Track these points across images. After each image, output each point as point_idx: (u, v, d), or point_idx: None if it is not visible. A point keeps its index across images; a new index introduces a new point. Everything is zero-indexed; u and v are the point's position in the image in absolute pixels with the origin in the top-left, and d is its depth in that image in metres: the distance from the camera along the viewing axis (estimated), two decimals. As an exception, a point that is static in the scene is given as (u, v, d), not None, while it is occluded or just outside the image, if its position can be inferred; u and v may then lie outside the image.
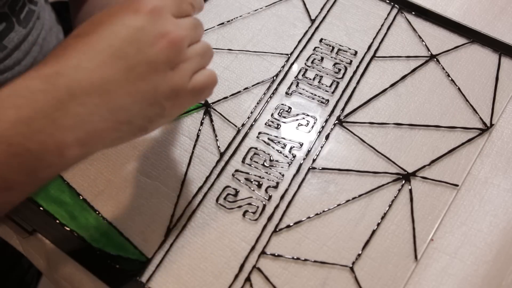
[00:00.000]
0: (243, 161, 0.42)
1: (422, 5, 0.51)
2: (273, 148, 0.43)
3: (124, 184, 0.41)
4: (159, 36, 0.29)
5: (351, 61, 0.48)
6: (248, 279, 0.37)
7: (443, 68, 0.47)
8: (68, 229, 0.39)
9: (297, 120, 0.44)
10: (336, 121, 0.44)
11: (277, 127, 0.44)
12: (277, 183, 0.41)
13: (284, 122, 0.44)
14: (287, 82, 0.47)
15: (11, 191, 0.27)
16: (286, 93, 0.46)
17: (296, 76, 0.47)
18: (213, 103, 0.45)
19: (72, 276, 0.38)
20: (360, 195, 0.40)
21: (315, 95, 0.46)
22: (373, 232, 0.39)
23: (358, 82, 0.46)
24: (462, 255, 0.38)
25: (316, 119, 0.44)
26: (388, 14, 0.51)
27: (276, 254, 0.38)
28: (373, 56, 0.48)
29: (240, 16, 0.51)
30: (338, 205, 0.40)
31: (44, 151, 0.26)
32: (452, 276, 0.37)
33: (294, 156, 0.42)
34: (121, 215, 0.40)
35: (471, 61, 0.47)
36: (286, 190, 0.41)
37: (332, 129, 0.44)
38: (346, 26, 0.50)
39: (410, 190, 0.40)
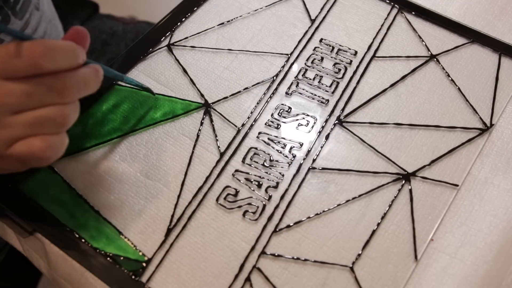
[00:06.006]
0: (243, 161, 0.42)
1: (422, 5, 0.51)
2: (273, 148, 0.43)
3: (124, 184, 0.41)
4: None
5: (351, 61, 0.48)
6: (248, 279, 0.37)
7: (443, 68, 0.47)
8: (68, 229, 0.39)
9: (297, 120, 0.44)
10: (336, 121, 0.44)
11: (277, 127, 0.44)
12: (277, 183, 0.41)
13: (284, 122, 0.44)
14: (287, 82, 0.47)
15: None
16: (286, 93, 0.46)
17: (296, 76, 0.47)
18: (213, 103, 0.45)
19: (72, 276, 0.38)
20: (360, 195, 0.40)
21: (315, 95, 0.46)
22: (373, 232, 0.39)
23: (358, 82, 0.46)
24: (462, 255, 0.38)
25: (316, 119, 0.44)
26: (388, 14, 0.51)
27: (276, 254, 0.38)
28: (373, 56, 0.48)
29: (240, 16, 0.51)
30: (338, 205, 0.40)
31: None
32: (452, 276, 0.37)
33: (294, 156, 0.42)
34: (121, 215, 0.40)
35: (471, 61, 0.47)
36: (286, 190, 0.41)
37: (332, 129, 0.44)
38: (346, 26, 0.50)
39: (410, 190, 0.40)
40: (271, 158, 0.42)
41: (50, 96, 0.30)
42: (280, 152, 0.43)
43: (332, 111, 0.45)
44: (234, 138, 0.43)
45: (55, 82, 0.30)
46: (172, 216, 0.40)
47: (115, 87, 0.46)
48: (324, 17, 0.51)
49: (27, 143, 0.30)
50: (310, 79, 0.47)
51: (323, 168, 0.42)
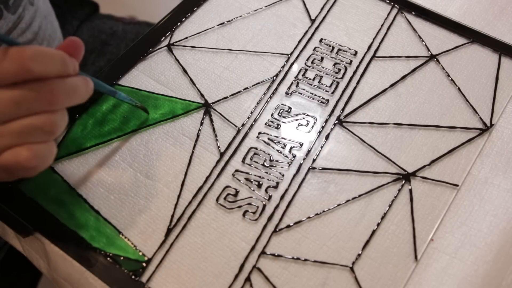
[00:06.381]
0: (243, 161, 0.42)
1: (422, 5, 0.51)
2: (273, 148, 0.43)
3: (124, 184, 0.41)
4: None
5: (351, 61, 0.48)
6: (248, 279, 0.37)
7: (443, 68, 0.47)
8: (68, 229, 0.39)
9: (297, 120, 0.44)
10: (336, 121, 0.44)
11: (277, 127, 0.44)
12: (277, 183, 0.41)
13: (284, 122, 0.44)
14: (287, 82, 0.47)
15: None
16: (286, 93, 0.46)
17: (296, 76, 0.47)
18: (213, 103, 0.45)
19: (72, 276, 0.38)
20: (360, 195, 0.40)
21: (315, 95, 0.46)
22: (373, 232, 0.39)
23: (358, 82, 0.46)
24: (462, 255, 0.38)
25: (316, 119, 0.44)
26: (388, 14, 0.51)
27: (276, 254, 0.38)
28: (373, 56, 0.48)
29: (240, 16, 0.51)
30: (338, 205, 0.40)
31: None
32: (452, 276, 0.37)
33: (294, 156, 0.42)
34: (121, 215, 0.40)
35: (471, 61, 0.47)
36: (286, 190, 0.41)
37: (332, 129, 0.44)
38: (346, 26, 0.50)
39: (410, 190, 0.40)
40: (271, 158, 0.42)
41: (38, 103, 0.29)
42: (280, 152, 0.43)
43: (332, 111, 0.45)
44: (234, 138, 0.43)
45: (43, 88, 0.29)
46: (172, 216, 0.40)
47: (115, 87, 0.46)
48: (324, 17, 0.51)
49: (13, 152, 0.30)
50: (310, 79, 0.47)
51: (323, 168, 0.42)
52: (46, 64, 0.29)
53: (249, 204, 0.40)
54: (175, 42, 0.49)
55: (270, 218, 0.39)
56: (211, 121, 0.44)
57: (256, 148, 0.43)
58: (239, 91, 0.46)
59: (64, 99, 0.31)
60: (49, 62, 0.29)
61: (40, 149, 0.30)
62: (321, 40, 0.49)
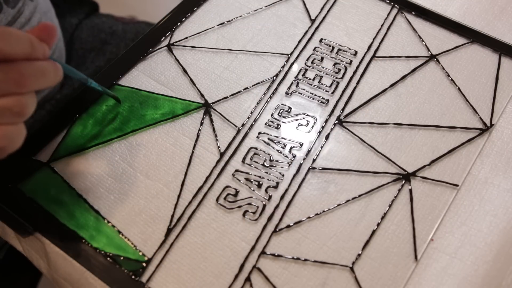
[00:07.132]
0: (243, 161, 0.42)
1: (422, 5, 0.51)
2: (273, 148, 0.43)
3: (124, 184, 0.41)
4: None
5: (351, 61, 0.48)
6: (248, 279, 0.37)
7: (443, 68, 0.47)
8: (68, 229, 0.39)
9: (297, 120, 0.44)
10: (336, 121, 0.44)
11: (277, 127, 0.44)
12: (277, 183, 0.41)
13: (284, 122, 0.44)
14: (287, 82, 0.47)
15: None
16: (286, 93, 0.46)
17: (296, 76, 0.47)
18: (213, 103, 0.45)
19: (72, 276, 0.38)
20: (360, 195, 0.40)
21: (315, 95, 0.46)
22: (373, 232, 0.39)
23: (358, 82, 0.46)
24: (462, 255, 0.38)
25: (316, 119, 0.44)
26: (388, 14, 0.51)
27: (276, 254, 0.38)
28: (373, 56, 0.48)
29: (240, 16, 0.51)
30: (338, 205, 0.40)
31: None
32: (452, 276, 0.37)
33: (294, 156, 0.42)
34: (121, 215, 0.40)
35: (471, 61, 0.47)
36: (286, 190, 0.41)
37: (332, 129, 0.44)
38: (346, 26, 0.50)
39: (410, 190, 0.40)
40: (271, 158, 0.42)
41: (6, 84, 0.30)
42: (280, 152, 0.43)
43: (332, 111, 0.45)
44: (234, 138, 0.43)
45: (11, 70, 0.30)
46: (172, 216, 0.40)
47: (115, 87, 0.46)
48: (324, 17, 0.51)
49: None
50: (310, 79, 0.47)
51: (323, 168, 0.42)
52: (13, 44, 0.30)
53: (249, 204, 0.40)
54: (175, 42, 0.49)
55: (270, 218, 0.39)
56: (211, 121, 0.44)
57: (256, 148, 0.43)
58: (239, 91, 0.46)
59: (33, 81, 0.31)
60: (16, 43, 0.30)
61: (9, 130, 0.31)
62: (321, 40, 0.49)
